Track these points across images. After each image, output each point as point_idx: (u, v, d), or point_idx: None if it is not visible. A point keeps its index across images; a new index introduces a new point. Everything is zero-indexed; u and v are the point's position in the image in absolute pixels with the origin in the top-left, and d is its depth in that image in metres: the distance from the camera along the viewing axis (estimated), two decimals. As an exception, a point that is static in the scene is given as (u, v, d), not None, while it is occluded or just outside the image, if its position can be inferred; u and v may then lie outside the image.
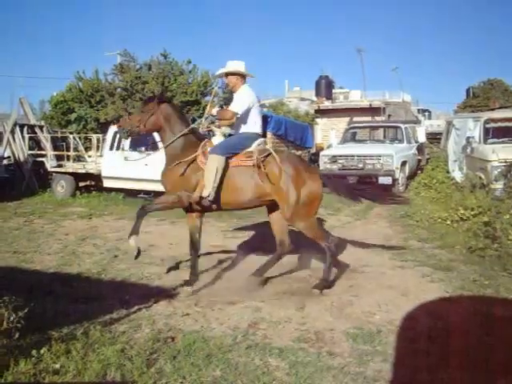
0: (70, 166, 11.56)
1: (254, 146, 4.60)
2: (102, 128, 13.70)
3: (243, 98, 4.62)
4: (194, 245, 4.65)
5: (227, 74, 4.80)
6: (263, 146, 4.69)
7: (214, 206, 4.58)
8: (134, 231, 4.47)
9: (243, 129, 4.72)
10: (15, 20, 79.96)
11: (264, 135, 5.15)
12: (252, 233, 6.87)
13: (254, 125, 4.71)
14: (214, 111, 4.80)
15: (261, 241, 5.89)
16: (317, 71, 39.02)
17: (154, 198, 9.84)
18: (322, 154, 12.65)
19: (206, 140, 4.77)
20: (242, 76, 4.75)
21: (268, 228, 4.89)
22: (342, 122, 18.23)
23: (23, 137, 12.26)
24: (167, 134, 4.69)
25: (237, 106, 4.59)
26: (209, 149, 4.56)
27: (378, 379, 2.78)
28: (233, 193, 4.52)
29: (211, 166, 4.42)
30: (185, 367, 2.86)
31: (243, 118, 4.65)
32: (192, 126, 4.82)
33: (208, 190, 4.41)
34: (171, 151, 4.66)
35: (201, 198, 4.45)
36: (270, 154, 4.53)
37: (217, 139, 4.78)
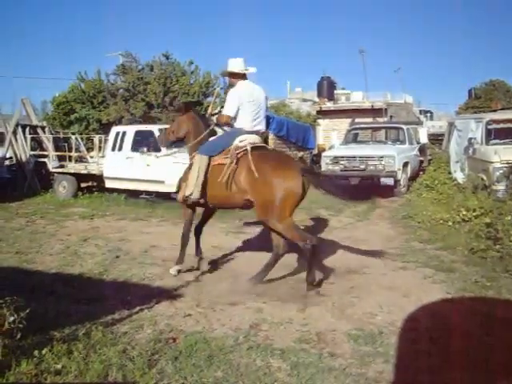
0: (72, 167, 11.59)
1: (235, 143, 4.60)
2: (104, 129, 13.74)
3: (231, 100, 4.70)
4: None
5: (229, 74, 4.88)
6: (244, 143, 4.56)
7: (202, 202, 4.75)
8: (180, 260, 4.91)
9: (235, 125, 4.78)
10: (17, 21, 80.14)
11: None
12: (253, 233, 6.87)
13: (242, 121, 4.71)
14: (214, 119, 4.96)
15: (262, 241, 5.88)
16: (319, 72, 38.92)
17: (156, 198, 9.97)
18: (323, 155, 12.64)
19: None
20: (241, 74, 4.76)
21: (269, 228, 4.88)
22: (343, 123, 18.26)
23: (25, 137, 12.28)
24: (190, 139, 4.96)
25: (227, 109, 4.71)
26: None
27: (379, 380, 2.78)
28: (213, 190, 4.62)
29: (194, 165, 4.62)
30: (186, 368, 2.87)
31: (235, 116, 4.72)
32: (210, 128, 4.95)
33: (190, 189, 4.56)
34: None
35: (186, 196, 4.64)
36: (246, 150, 4.49)
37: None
